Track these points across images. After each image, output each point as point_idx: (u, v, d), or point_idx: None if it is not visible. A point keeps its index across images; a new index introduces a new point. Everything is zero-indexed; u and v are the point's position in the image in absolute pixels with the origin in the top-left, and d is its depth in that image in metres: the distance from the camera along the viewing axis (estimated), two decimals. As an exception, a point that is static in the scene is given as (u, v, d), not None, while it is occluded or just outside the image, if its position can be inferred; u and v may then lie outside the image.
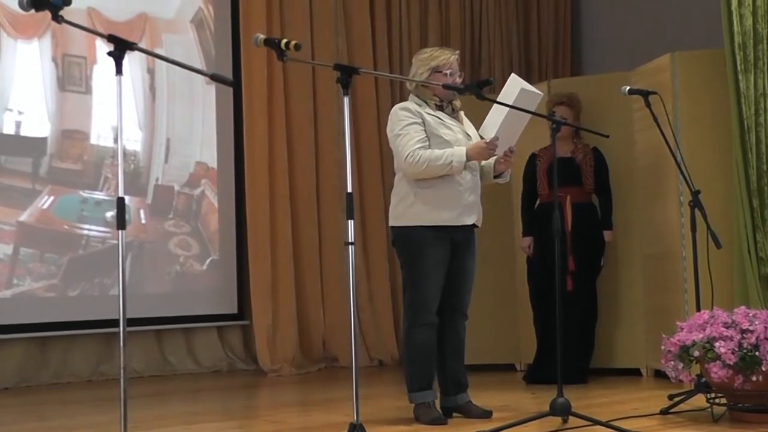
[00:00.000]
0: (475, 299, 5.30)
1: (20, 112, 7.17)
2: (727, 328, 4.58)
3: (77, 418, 5.72)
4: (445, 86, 4.87)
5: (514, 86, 4.92)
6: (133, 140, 7.63)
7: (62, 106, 7.34)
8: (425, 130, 5.01)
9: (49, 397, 6.63)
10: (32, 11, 3.44)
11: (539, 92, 4.97)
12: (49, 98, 7.28)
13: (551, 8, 9.48)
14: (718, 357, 4.52)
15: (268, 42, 4.27)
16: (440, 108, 5.12)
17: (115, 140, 7.36)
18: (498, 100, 4.93)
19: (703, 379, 4.95)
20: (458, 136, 5.06)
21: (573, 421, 4.60)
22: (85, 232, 7.39)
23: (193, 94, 7.98)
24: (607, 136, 5.34)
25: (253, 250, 7.83)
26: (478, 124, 5.14)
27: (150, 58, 7.63)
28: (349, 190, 4.23)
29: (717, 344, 4.53)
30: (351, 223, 4.20)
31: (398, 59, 8.69)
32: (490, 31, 9.16)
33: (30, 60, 7.21)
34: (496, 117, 4.98)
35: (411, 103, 5.11)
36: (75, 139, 7.38)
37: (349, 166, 4.31)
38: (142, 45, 6.97)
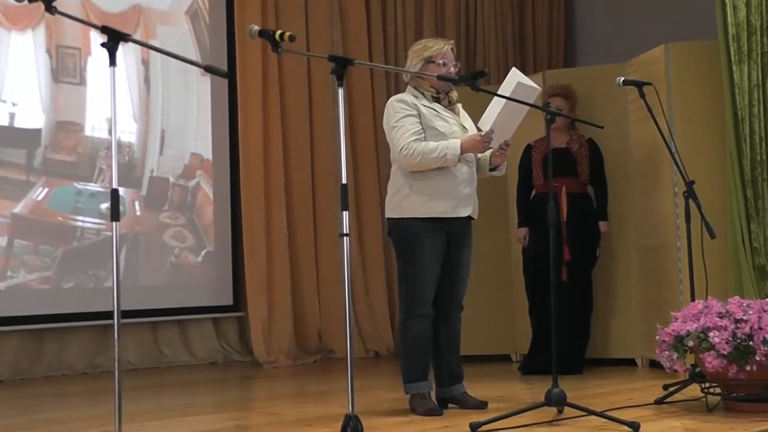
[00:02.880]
0: (471, 290, 5.30)
1: (14, 104, 7.16)
2: (721, 318, 4.59)
3: (72, 410, 5.72)
4: (439, 77, 4.87)
5: (512, 80, 4.92)
6: (128, 132, 7.63)
7: (56, 97, 7.33)
8: (421, 122, 5.00)
9: (43, 389, 6.62)
10: (25, 2, 3.44)
11: (537, 87, 4.97)
12: (43, 90, 7.27)
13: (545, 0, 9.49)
14: (712, 347, 4.53)
15: (262, 33, 4.26)
16: (437, 100, 5.11)
17: (110, 132, 7.34)
18: (495, 92, 4.93)
19: (698, 369, 4.97)
20: (454, 128, 5.06)
21: (568, 411, 4.60)
22: (80, 224, 7.38)
23: (188, 85, 7.97)
24: (602, 127, 5.35)
25: (249, 241, 7.83)
26: (474, 115, 5.14)
27: (145, 49, 7.61)
28: (344, 181, 4.22)
29: (711, 334, 4.54)
30: (346, 215, 4.20)
31: (393, 51, 8.69)
32: (485, 22, 9.16)
33: (24, 51, 7.20)
34: (493, 110, 4.98)
35: (407, 95, 5.11)
36: (69, 131, 7.37)
37: (343, 157, 4.30)
38: (136, 36, 6.95)
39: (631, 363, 6.91)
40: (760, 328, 4.47)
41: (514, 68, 5.08)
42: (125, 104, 7.57)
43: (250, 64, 7.88)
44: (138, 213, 7.67)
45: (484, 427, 4.40)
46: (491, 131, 4.90)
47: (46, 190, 7.24)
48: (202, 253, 7.99)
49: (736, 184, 6.18)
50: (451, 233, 5.04)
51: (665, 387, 5.34)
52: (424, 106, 5.05)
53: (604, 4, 9.32)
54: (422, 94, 5.11)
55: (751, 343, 4.46)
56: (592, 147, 6.80)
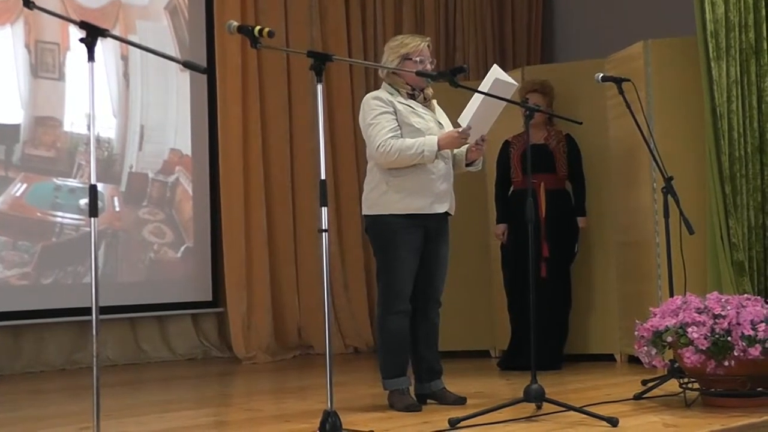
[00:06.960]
0: (450, 286, 5.31)
1: (-8, 99, 7.13)
2: (699, 313, 4.60)
3: (50, 407, 5.70)
4: (418, 73, 4.85)
5: (491, 76, 4.93)
6: (107, 127, 7.60)
7: (35, 92, 7.29)
8: (397, 119, 5.00)
9: (21, 386, 6.59)
10: (3, -3, 3.42)
11: (514, 82, 4.97)
12: (22, 85, 7.23)
13: (525, -5, 9.52)
14: (690, 342, 4.54)
15: (241, 29, 4.25)
16: (412, 96, 5.11)
17: (89, 127, 7.30)
18: (474, 89, 4.94)
19: (676, 365, 4.99)
20: (430, 125, 5.06)
21: (547, 407, 4.62)
22: (59, 219, 7.35)
23: (167, 81, 7.95)
24: (580, 123, 5.37)
25: (228, 237, 7.82)
26: (452, 112, 5.14)
27: (124, 44, 7.58)
28: (323, 177, 4.22)
29: (689, 330, 4.55)
30: (324, 211, 4.19)
31: (372, 47, 8.69)
32: (464, 18, 9.18)
33: (3, 46, 7.15)
34: (471, 106, 4.98)
35: (383, 92, 5.10)
36: (48, 126, 7.34)
37: (322, 153, 4.28)
38: (115, 32, 6.94)
39: (609, 358, 6.93)
40: (739, 324, 4.49)
41: (495, 65, 5.08)
42: (104, 100, 7.54)
43: (230, 59, 7.86)
44: (117, 209, 7.64)
45: (463, 423, 4.41)
46: (468, 128, 4.91)
47: (24, 185, 7.21)
48: (181, 248, 7.97)
49: (714, 180, 6.20)
50: (429, 229, 5.04)
51: (644, 382, 5.36)
52: (400, 102, 5.04)
53: (583, 0, 9.35)
54: (398, 90, 5.10)
55: (729, 338, 4.48)
56: (570, 143, 6.81)
